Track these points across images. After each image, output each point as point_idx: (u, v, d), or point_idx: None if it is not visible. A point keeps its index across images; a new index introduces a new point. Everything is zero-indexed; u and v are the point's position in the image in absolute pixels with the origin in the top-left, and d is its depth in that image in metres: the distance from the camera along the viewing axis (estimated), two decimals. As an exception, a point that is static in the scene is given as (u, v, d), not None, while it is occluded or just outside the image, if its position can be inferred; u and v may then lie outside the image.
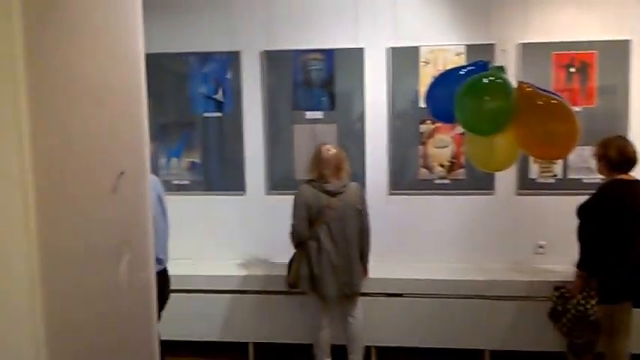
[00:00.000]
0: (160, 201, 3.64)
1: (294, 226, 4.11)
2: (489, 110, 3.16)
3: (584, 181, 4.63)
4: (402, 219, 4.85)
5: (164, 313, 3.68)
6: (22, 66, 1.53)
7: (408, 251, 4.86)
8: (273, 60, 4.83)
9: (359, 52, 4.74)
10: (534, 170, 4.71)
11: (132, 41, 2.39)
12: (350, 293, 4.17)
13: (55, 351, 1.67)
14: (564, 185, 4.69)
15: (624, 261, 3.71)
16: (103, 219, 2.07)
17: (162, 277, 3.63)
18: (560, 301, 4.03)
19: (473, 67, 3.45)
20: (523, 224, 4.78)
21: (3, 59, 1.53)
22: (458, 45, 4.66)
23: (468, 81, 3.20)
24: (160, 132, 4.82)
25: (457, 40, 4.68)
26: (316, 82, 4.81)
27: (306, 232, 4.08)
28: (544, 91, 3.46)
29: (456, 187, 4.78)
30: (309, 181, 4.14)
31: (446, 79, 3.63)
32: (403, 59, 4.71)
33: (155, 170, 4.12)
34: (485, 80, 3.20)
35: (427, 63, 4.67)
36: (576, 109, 4.08)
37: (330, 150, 4.12)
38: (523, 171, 4.70)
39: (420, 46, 4.69)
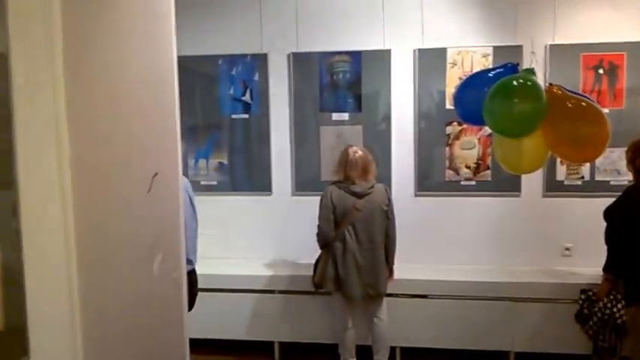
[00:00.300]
0: (191, 202, 3.69)
1: (320, 227, 4.14)
2: (519, 113, 3.15)
3: (612, 183, 4.60)
4: (428, 220, 4.86)
5: (191, 311, 3.73)
6: (61, 69, 1.57)
7: (433, 252, 4.86)
8: (301, 62, 4.87)
9: (386, 53, 4.76)
10: (561, 172, 4.69)
11: (166, 45, 2.44)
12: (374, 294, 4.19)
13: (90, 340, 1.72)
14: (591, 187, 4.66)
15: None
16: (138, 219, 2.11)
17: (191, 277, 3.67)
18: (586, 304, 4.01)
19: (502, 70, 3.45)
20: (549, 226, 4.76)
21: (44, 62, 1.56)
22: (485, 47, 4.65)
23: (499, 83, 3.19)
24: (188, 133, 4.88)
25: (484, 42, 4.67)
26: (343, 83, 4.83)
27: (331, 233, 4.11)
28: (573, 93, 3.44)
29: (482, 188, 4.77)
30: (336, 183, 4.17)
31: (475, 82, 3.62)
32: (430, 61, 4.72)
33: (184, 171, 4.17)
34: (515, 83, 3.19)
35: (454, 64, 4.68)
36: (604, 110, 4.05)
37: (357, 152, 4.14)
38: (550, 173, 4.68)
39: (447, 47, 4.69)
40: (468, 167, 4.76)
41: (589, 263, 4.33)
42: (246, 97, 4.95)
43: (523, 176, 4.65)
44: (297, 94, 4.90)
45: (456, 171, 4.78)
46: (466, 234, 4.85)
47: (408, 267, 4.55)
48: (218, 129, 5.03)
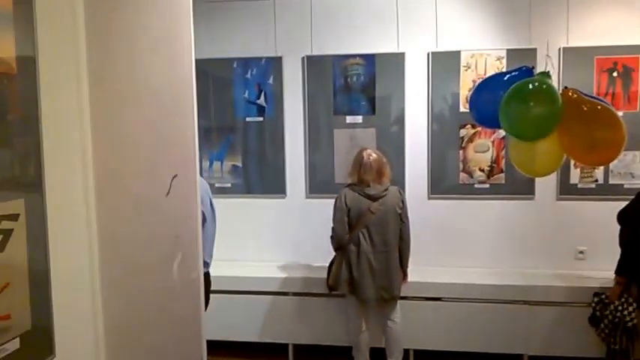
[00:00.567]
0: (211, 205, 3.72)
1: (334, 230, 4.16)
2: (535, 116, 3.17)
3: (626, 186, 4.59)
4: (442, 223, 4.86)
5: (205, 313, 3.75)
6: (86, 74, 1.60)
7: (447, 255, 4.86)
8: (315, 65, 4.89)
9: (400, 56, 4.77)
10: (575, 175, 4.68)
11: (184, 48, 2.47)
12: (388, 297, 4.20)
13: (112, 339, 1.74)
14: (605, 191, 4.65)
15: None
16: (159, 220, 2.14)
17: (206, 279, 3.70)
18: (599, 307, 4.01)
19: (517, 73, 3.46)
20: (563, 230, 4.75)
21: (69, 67, 1.60)
22: (499, 49, 4.66)
23: (514, 86, 3.20)
24: (203, 136, 4.87)
25: (498, 45, 4.67)
26: (357, 86, 4.85)
27: (346, 235, 4.13)
28: (589, 96, 3.45)
29: (496, 191, 4.77)
30: (350, 185, 4.19)
31: (490, 85, 3.64)
32: (444, 64, 4.73)
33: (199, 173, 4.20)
34: (531, 86, 3.20)
35: (468, 67, 4.68)
36: (619, 113, 4.05)
37: (372, 155, 4.15)
38: (564, 176, 4.67)
39: (461, 50, 4.70)
40: (481, 170, 4.76)
41: (603, 267, 4.33)
42: (261, 100, 4.98)
43: (537, 179, 4.64)
44: (311, 97, 4.93)
45: (470, 174, 4.78)
46: (480, 237, 4.85)
47: (422, 270, 4.56)
48: (232, 132, 5.06)
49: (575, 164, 4.61)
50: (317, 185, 4.99)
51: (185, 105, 2.47)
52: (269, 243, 5.08)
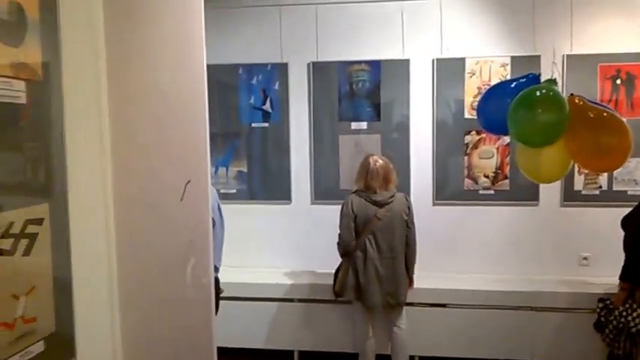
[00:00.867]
0: (220, 210, 3.74)
1: (341, 236, 4.17)
2: (543, 122, 3.19)
3: (629, 193, 4.62)
4: (446, 229, 4.88)
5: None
6: (105, 83, 1.61)
7: (451, 261, 4.88)
8: (320, 71, 4.92)
9: (405, 63, 4.80)
10: (579, 182, 4.70)
11: (196, 53, 2.49)
12: (395, 303, 4.20)
13: (129, 343, 1.76)
14: (609, 197, 4.67)
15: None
16: (173, 225, 2.15)
17: (216, 284, 3.71)
18: (603, 313, 4.03)
19: (524, 80, 3.48)
20: (567, 236, 4.77)
21: (89, 75, 1.61)
22: (503, 56, 4.69)
23: (522, 94, 3.23)
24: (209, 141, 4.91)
25: (502, 52, 4.70)
26: (362, 93, 4.87)
27: (352, 242, 4.13)
28: (593, 103, 3.48)
29: (501, 197, 4.79)
30: (357, 192, 4.20)
31: (497, 92, 3.66)
32: (449, 70, 4.76)
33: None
34: (539, 93, 3.23)
35: (472, 74, 4.71)
36: (623, 120, 4.08)
37: (378, 161, 4.17)
38: (568, 182, 4.70)
39: (466, 57, 4.73)
40: (486, 176, 4.78)
41: (607, 273, 4.35)
42: (266, 106, 5.00)
43: (541, 186, 4.66)
44: (316, 103, 4.95)
45: (475, 180, 4.80)
46: (484, 243, 4.86)
47: (427, 276, 4.56)
48: (238, 137, 5.08)
49: (579, 171, 4.64)
50: (322, 191, 5.00)
51: (197, 110, 2.49)
52: (274, 249, 5.08)
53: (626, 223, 3.87)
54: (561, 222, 4.77)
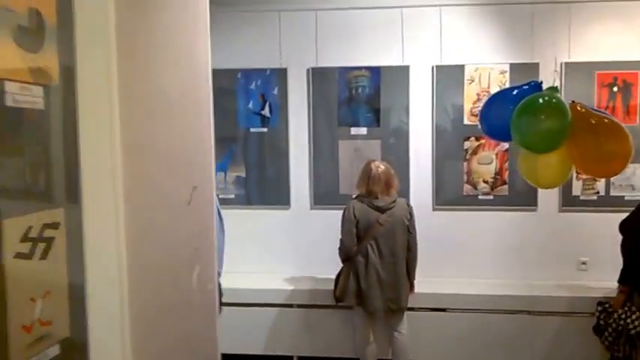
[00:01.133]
0: (219, 216, 3.73)
1: (342, 241, 4.16)
2: (546, 129, 3.23)
3: (626, 198, 4.66)
4: (446, 234, 4.89)
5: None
6: (117, 90, 1.62)
7: (451, 266, 4.89)
8: (320, 77, 4.92)
9: (404, 69, 4.82)
10: (577, 187, 4.73)
11: (202, 59, 2.50)
12: (396, 308, 4.20)
13: (138, 349, 1.76)
14: (606, 202, 4.71)
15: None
16: (180, 230, 2.16)
17: (219, 290, 3.71)
18: (603, 316, 4.07)
19: (526, 87, 3.51)
20: (566, 241, 4.80)
21: (102, 76, 1.61)
22: (502, 64, 4.72)
23: (525, 100, 3.26)
24: (207, 147, 4.91)
25: (502, 59, 4.73)
26: (361, 98, 4.88)
27: (354, 247, 4.13)
28: (594, 110, 3.52)
29: (500, 203, 4.81)
30: (358, 197, 4.20)
31: (500, 99, 3.69)
32: (448, 77, 4.78)
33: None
34: (541, 100, 3.27)
35: (472, 81, 4.74)
36: (621, 126, 4.12)
37: (380, 167, 4.17)
38: (566, 188, 4.72)
39: (465, 64, 4.75)
40: (485, 182, 4.81)
41: (605, 277, 4.39)
42: (265, 111, 4.99)
43: (540, 191, 4.69)
44: (315, 108, 4.95)
45: (474, 185, 4.82)
46: (484, 248, 4.88)
47: (427, 281, 4.57)
48: (236, 142, 5.07)
49: (577, 176, 4.67)
50: (321, 196, 5.00)
51: (203, 115, 2.50)
52: (273, 255, 5.07)
53: (624, 226, 3.91)
54: (560, 227, 4.80)
